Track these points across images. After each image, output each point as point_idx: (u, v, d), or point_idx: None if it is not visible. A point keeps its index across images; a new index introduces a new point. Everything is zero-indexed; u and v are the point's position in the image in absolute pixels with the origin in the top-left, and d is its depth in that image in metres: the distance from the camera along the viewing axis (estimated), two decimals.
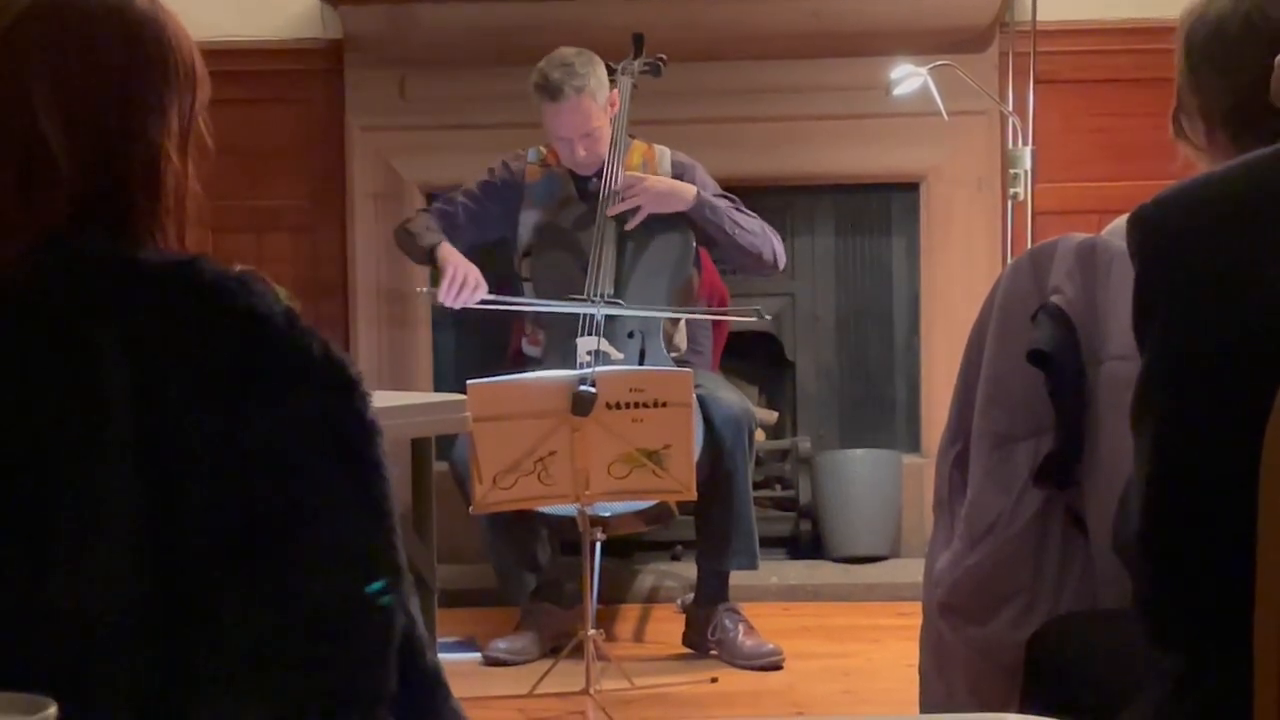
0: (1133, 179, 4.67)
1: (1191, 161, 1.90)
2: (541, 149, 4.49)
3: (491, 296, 4.34)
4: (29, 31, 1.41)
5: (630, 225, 4.31)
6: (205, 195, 1.49)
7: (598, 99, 4.29)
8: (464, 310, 4.39)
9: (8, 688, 0.95)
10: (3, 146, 1.40)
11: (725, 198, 4.41)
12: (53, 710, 0.90)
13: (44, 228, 1.38)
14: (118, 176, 1.41)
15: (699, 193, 4.33)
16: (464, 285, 4.30)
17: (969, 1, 4.95)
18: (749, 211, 4.40)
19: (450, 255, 4.36)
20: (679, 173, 4.44)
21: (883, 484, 4.97)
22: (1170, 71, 1.93)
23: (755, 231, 4.36)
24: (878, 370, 5.23)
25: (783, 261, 4.46)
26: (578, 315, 4.22)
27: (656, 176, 4.37)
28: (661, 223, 4.34)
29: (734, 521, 4.16)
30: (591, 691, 3.71)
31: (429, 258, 4.43)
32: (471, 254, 4.42)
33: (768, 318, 4.42)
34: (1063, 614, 2.09)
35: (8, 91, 1.40)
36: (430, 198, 5.11)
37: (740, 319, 4.48)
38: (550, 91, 4.26)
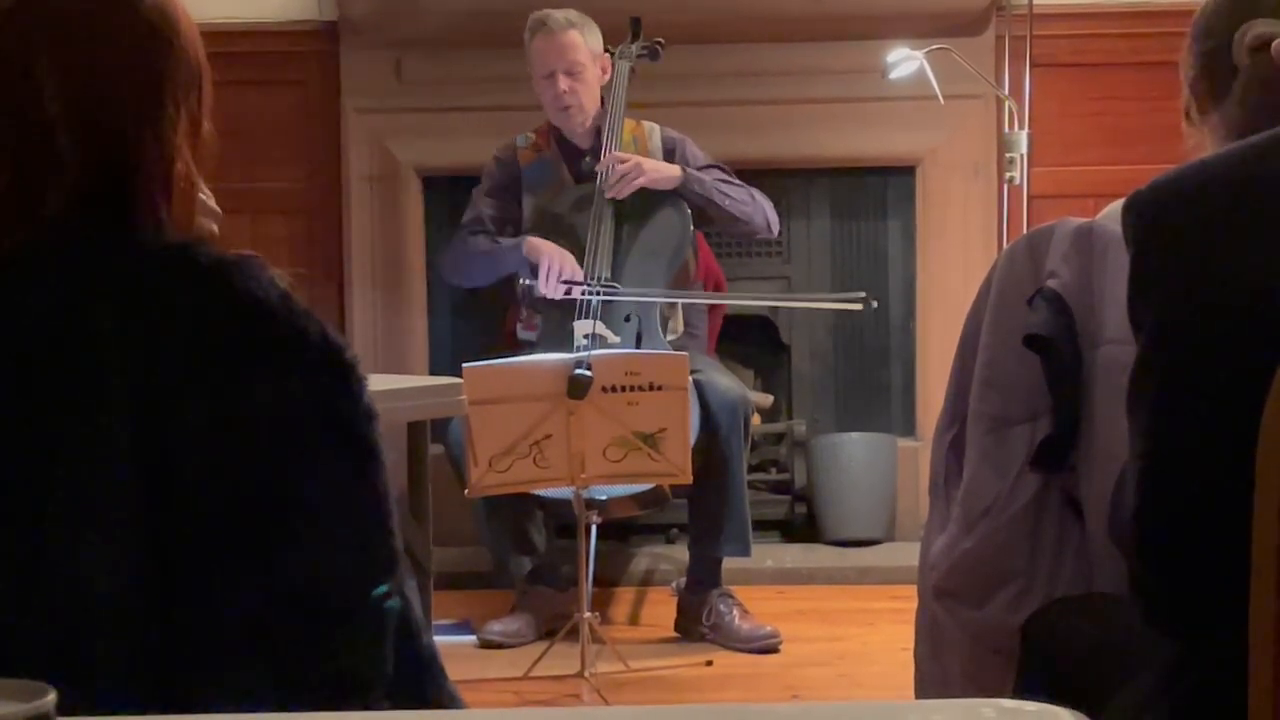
0: (1129, 163, 4.67)
1: (1198, 148, 1.90)
2: (530, 134, 4.49)
3: (588, 284, 4.23)
4: (37, 15, 1.40)
5: (622, 195, 4.29)
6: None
7: (588, 41, 4.35)
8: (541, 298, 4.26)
9: (6, 672, 0.95)
10: (6, 132, 1.38)
11: (716, 167, 4.42)
12: (51, 697, 0.90)
13: (43, 217, 1.38)
14: (125, 171, 1.40)
15: (685, 170, 4.35)
16: (562, 272, 4.22)
17: None
18: (738, 181, 4.41)
19: (542, 244, 4.28)
20: (669, 147, 4.45)
21: (878, 468, 4.97)
22: (1166, 54, 1.95)
23: (744, 200, 4.38)
24: (873, 354, 5.24)
25: (776, 227, 4.48)
26: (573, 299, 4.22)
27: (647, 159, 4.38)
28: (659, 205, 4.35)
29: (728, 508, 4.16)
30: (587, 674, 3.71)
31: (521, 258, 4.28)
32: None
33: (874, 304, 4.21)
34: (1058, 598, 2.09)
35: (8, 74, 1.39)
36: (426, 180, 5.11)
37: (846, 306, 4.32)
38: (541, 21, 4.35)
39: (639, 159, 4.32)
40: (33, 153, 1.38)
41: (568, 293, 4.20)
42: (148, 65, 1.42)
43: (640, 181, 4.29)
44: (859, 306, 4.18)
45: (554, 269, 4.21)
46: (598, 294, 4.19)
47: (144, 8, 1.42)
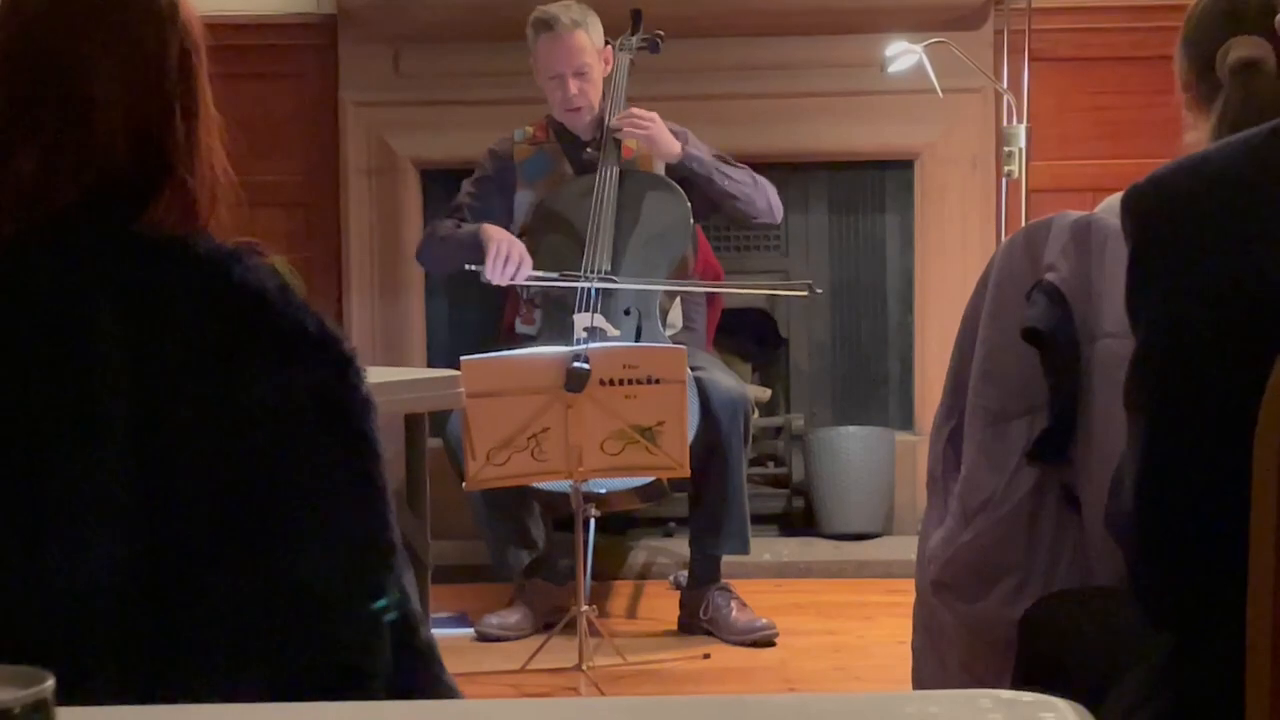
0: (1128, 157, 4.67)
1: (1197, 142, 1.90)
2: (528, 128, 4.49)
3: (539, 273, 4.25)
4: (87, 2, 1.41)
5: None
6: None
7: (593, 38, 4.34)
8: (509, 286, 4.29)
9: (3, 660, 0.95)
10: (43, 115, 1.38)
11: (717, 157, 4.42)
12: (50, 683, 0.90)
13: (59, 203, 1.38)
14: (159, 157, 1.40)
15: (685, 147, 4.37)
16: (508, 260, 4.22)
17: None
18: (738, 164, 4.42)
19: (495, 232, 4.29)
20: None
21: (876, 461, 4.97)
22: (1165, 49, 1.96)
23: (745, 181, 4.38)
24: (871, 347, 5.24)
25: (780, 212, 4.47)
26: (574, 291, 4.21)
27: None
28: (660, 198, 4.35)
29: (727, 506, 4.16)
30: (584, 667, 3.71)
31: (477, 243, 4.29)
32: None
33: (819, 291, 4.43)
34: (1056, 591, 2.09)
35: (55, 55, 1.39)
36: (424, 173, 5.11)
37: (792, 293, 4.54)
38: (547, 22, 4.33)
39: (653, 115, 4.34)
40: (70, 135, 1.38)
41: (512, 279, 4.21)
42: (186, 53, 1.43)
43: (644, 133, 4.29)
44: (805, 293, 4.37)
45: (500, 256, 4.21)
46: (590, 283, 4.19)
47: (183, 7, 1.45)
